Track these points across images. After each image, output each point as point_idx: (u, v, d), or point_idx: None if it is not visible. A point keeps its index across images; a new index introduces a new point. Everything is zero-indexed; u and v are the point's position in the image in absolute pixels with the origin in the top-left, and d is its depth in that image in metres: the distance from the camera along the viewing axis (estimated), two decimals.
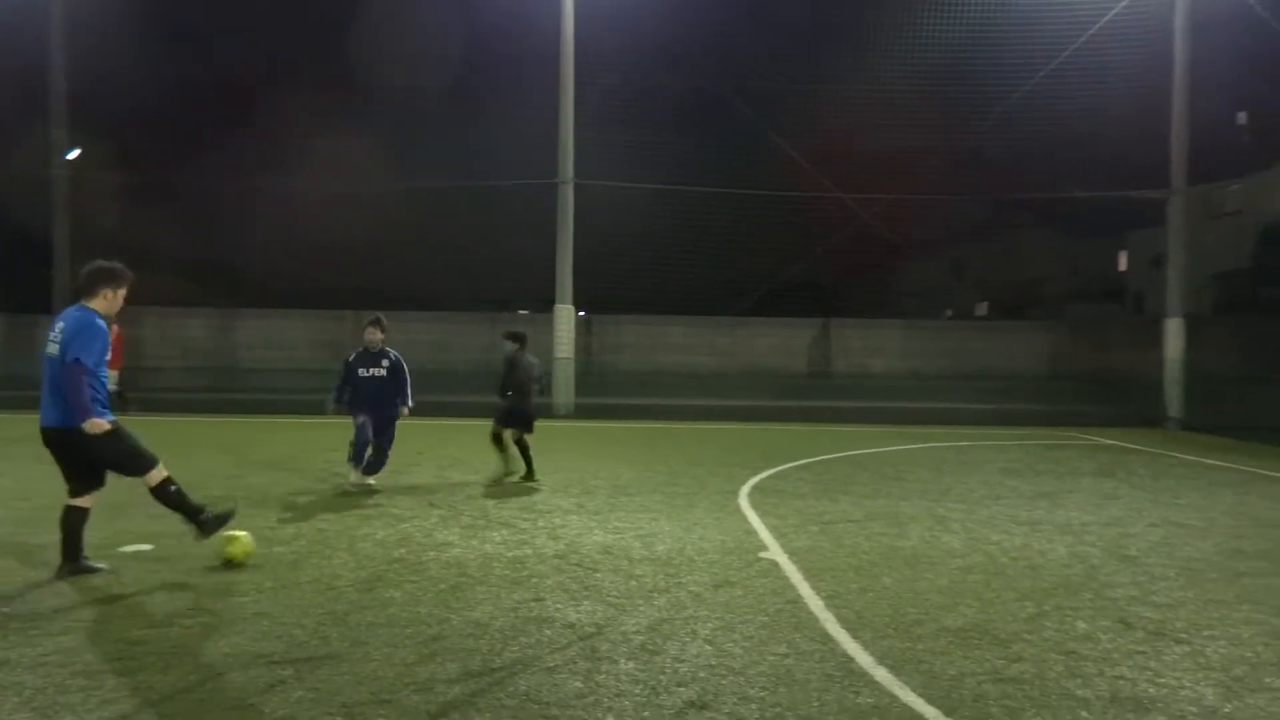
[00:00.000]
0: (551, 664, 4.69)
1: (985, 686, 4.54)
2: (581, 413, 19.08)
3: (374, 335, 9.54)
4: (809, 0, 22.92)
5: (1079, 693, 4.49)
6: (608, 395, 20.44)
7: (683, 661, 4.78)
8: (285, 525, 7.81)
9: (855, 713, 4.22)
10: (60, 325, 6.00)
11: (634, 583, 6.23)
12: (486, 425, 10.52)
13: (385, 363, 9.52)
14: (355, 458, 9.50)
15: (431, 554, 6.90)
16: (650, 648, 4.96)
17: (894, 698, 4.38)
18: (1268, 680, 4.70)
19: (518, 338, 10.51)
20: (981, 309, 35.04)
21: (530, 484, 10.12)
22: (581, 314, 21.80)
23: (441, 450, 13.06)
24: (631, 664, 4.71)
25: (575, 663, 4.71)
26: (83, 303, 6.12)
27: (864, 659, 4.87)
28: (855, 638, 5.20)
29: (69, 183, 22.17)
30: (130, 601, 5.60)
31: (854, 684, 4.54)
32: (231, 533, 6.50)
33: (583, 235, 19.31)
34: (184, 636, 4.98)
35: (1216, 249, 25.95)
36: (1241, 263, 26.77)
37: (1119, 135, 20.08)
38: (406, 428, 10.16)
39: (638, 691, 4.37)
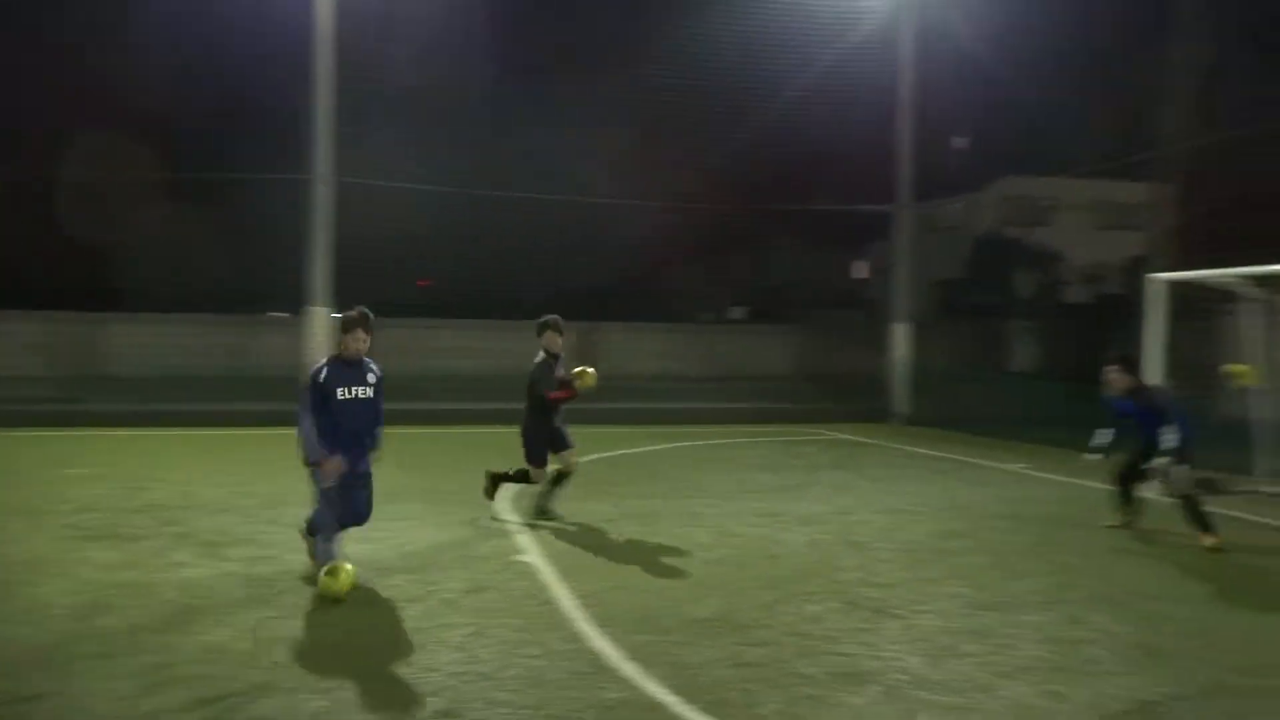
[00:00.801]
0: (292, 685, 4.49)
1: (724, 672, 4.80)
2: None
3: (359, 339, 6.35)
4: (574, 10, 23.25)
5: (807, 671, 4.84)
6: None
7: (433, 671, 4.72)
8: None
9: (602, 707, 4.34)
10: None
11: (385, 594, 6.08)
12: (240, 434, 9.89)
13: (371, 378, 6.44)
14: (325, 529, 6.21)
15: (163, 575, 6.41)
16: (397, 659, 4.86)
17: (639, 690, 4.55)
18: (966, 648, 5.27)
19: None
20: (737, 313, 36.87)
21: (278, 497, 9.61)
22: (337, 316, 20.97)
23: (187, 462, 12.13)
24: (376, 679, 4.60)
25: (317, 681, 4.53)
26: None
27: (612, 655, 5.01)
28: (606, 634, 5.34)
29: None
30: None
31: (602, 680, 4.67)
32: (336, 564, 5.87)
33: (348, 235, 18.54)
34: None
35: (936, 260, 28.75)
36: (957, 272, 29.85)
37: (857, 154, 21.79)
38: (147, 439, 9.36)
39: (384, 705, 4.27)
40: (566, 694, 4.47)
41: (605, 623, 5.55)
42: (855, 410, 19.93)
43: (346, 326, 6.36)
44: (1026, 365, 24.99)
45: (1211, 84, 20.82)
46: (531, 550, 7.39)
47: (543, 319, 8.91)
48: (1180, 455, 7.79)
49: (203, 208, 23.74)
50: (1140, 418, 8.20)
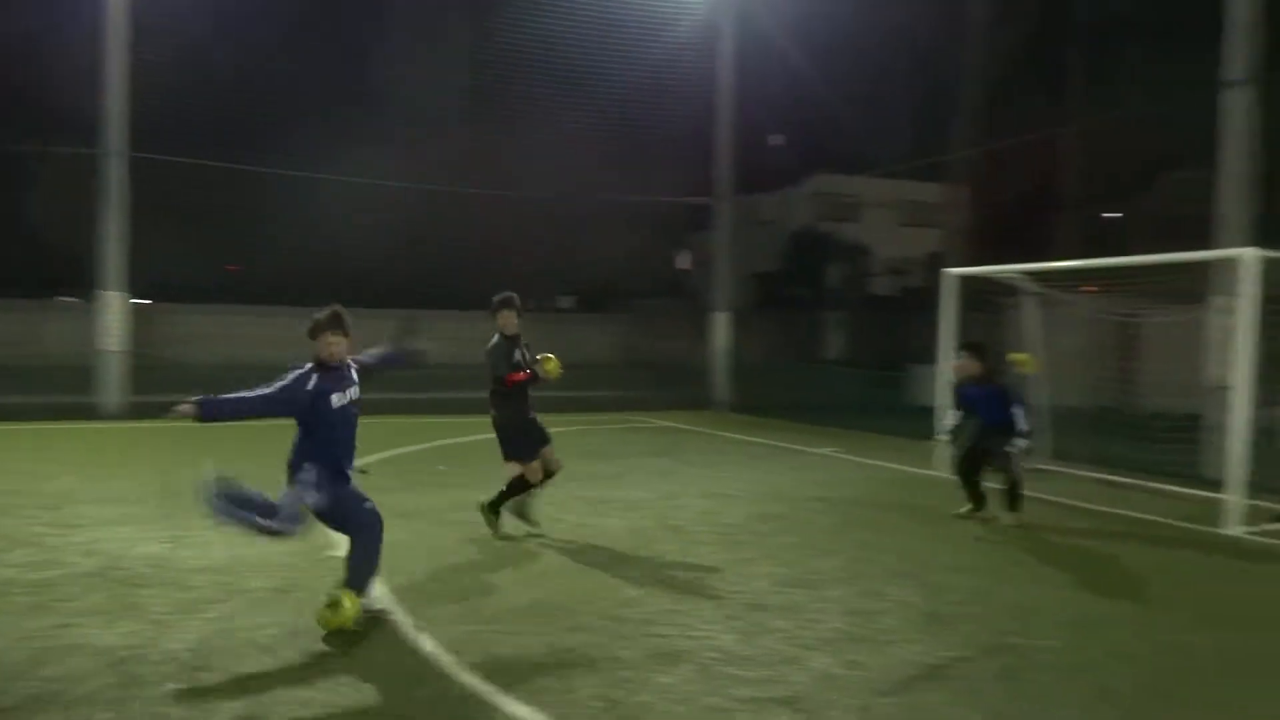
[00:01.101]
0: (74, 696, 4.17)
1: (541, 659, 4.82)
2: (139, 413, 17.08)
3: (336, 344, 5.76)
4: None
5: (623, 654, 4.92)
6: (171, 393, 18.49)
7: (238, 674, 4.50)
8: None
9: (418, 701, 4.27)
10: None
11: (185, 595, 5.74)
12: (14, 429, 9.05)
13: (355, 378, 5.92)
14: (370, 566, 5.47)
15: None
16: (198, 665, 4.60)
17: (455, 681, 4.50)
18: (776, 623, 5.50)
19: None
20: (565, 301, 36.91)
21: (65, 495, 8.88)
22: (139, 302, 19.60)
23: None
24: (174, 685, 4.34)
25: (104, 692, 4.23)
26: None
27: (429, 647, 4.93)
28: (422, 628, 5.24)
29: None
30: None
31: (419, 671, 4.59)
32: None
33: (144, 215, 17.29)
34: None
35: (756, 252, 29.79)
36: (775, 265, 31.06)
37: (681, 147, 22.25)
38: None
39: (178, 715, 4.03)
40: (384, 687, 4.37)
41: (422, 616, 5.45)
42: (679, 398, 20.39)
43: (319, 330, 5.74)
44: (838, 354, 26.30)
45: (996, 95, 22.55)
46: (344, 544, 7.13)
47: (498, 297, 8.00)
48: (1029, 437, 8.34)
49: None
50: (987, 403, 8.44)
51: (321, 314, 5.83)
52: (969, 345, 8.86)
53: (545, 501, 9.16)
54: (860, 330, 26.75)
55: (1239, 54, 10.98)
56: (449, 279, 27.09)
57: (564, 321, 28.67)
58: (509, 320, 7.91)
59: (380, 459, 11.95)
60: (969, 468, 8.64)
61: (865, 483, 10.83)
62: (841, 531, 8.12)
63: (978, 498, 8.60)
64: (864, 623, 5.54)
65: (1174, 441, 10.72)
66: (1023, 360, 9.82)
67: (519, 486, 7.60)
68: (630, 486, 10.24)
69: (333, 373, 5.72)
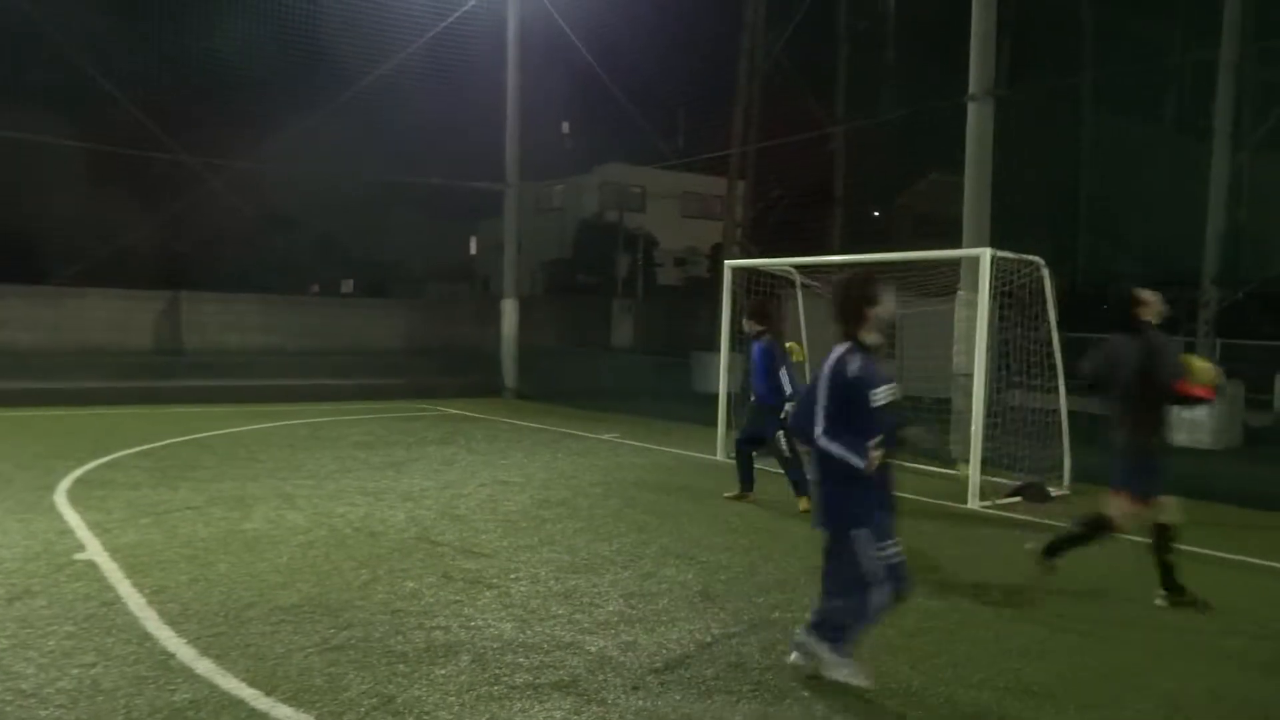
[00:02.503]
0: None
1: (311, 659, 4.64)
2: None
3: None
4: None
5: (399, 648, 4.83)
6: None
7: None
8: None
9: (171, 710, 4.00)
10: None
11: None
12: None
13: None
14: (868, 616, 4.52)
15: None
16: None
17: (215, 687, 4.25)
18: (555, 609, 5.56)
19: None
20: (347, 286, 35.51)
21: None
22: None
23: None
24: None
25: None
26: None
27: (186, 653, 4.64)
28: (179, 632, 4.92)
29: None
30: None
31: (171, 681, 4.30)
32: None
33: None
34: None
35: (545, 240, 29.87)
36: (564, 253, 31.25)
37: (472, 132, 21.90)
38: None
39: None
40: (129, 701, 4.06)
41: (178, 619, 5.11)
42: (466, 385, 20.14)
43: (875, 297, 4.35)
44: (625, 342, 26.83)
45: (772, 93, 23.69)
46: (93, 547, 6.58)
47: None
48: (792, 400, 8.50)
49: None
50: (760, 361, 8.70)
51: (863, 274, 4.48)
52: (753, 307, 9.25)
53: (319, 494, 8.83)
54: (647, 318, 27.40)
55: (979, 68, 12.06)
56: (213, 260, 25.42)
57: (346, 306, 27.56)
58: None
59: (136, 451, 11.09)
60: (745, 451, 9.07)
61: (646, 467, 11.13)
62: (621, 516, 8.31)
63: (748, 482, 9.05)
64: (641, 604, 5.70)
65: (926, 424, 11.69)
66: (792, 348, 10.39)
67: (1101, 526, 6.00)
68: (412, 475, 10.02)
69: (872, 357, 4.40)
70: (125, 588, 5.66)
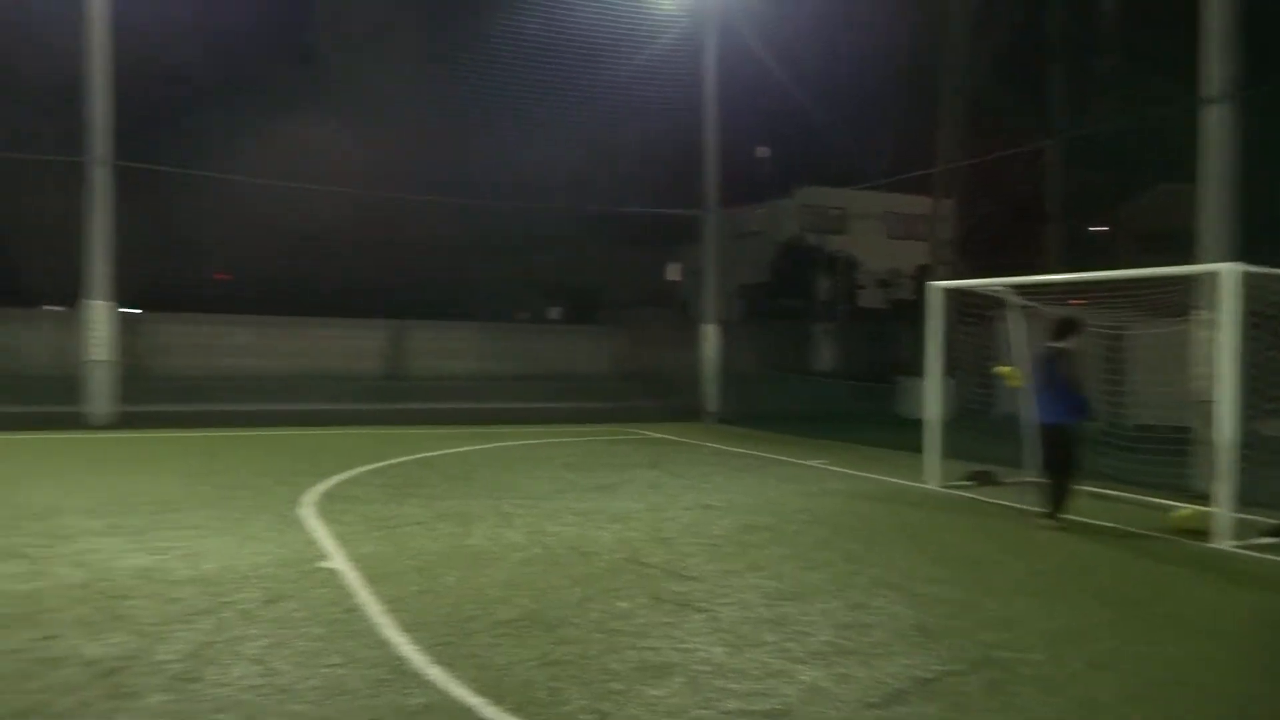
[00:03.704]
0: (61, 709, 4.15)
1: (533, 672, 4.82)
2: (127, 423, 17.02)
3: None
4: (374, 7, 22.57)
5: (613, 666, 4.93)
6: (157, 402, 18.45)
7: (224, 686, 4.49)
8: None
9: (406, 713, 4.26)
10: None
11: (173, 607, 5.72)
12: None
13: None
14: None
15: None
16: (187, 676, 4.59)
17: (445, 694, 4.49)
18: (765, 636, 5.52)
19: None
20: (554, 312, 36.91)
21: (51, 507, 8.83)
22: (133, 311, 19.54)
23: None
24: (163, 696, 4.33)
25: (92, 704, 4.22)
26: None
27: (418, 659, 4.93)
28: (412, 639, 5.24)
29: None
30: None
31: (406, 685, 4.58)
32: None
33: (131, 223, 17.29)
34: None
35: (744, 264, 29.91)
36: (763, 276, 31.18)
37: (669, 159, 22.37)
38: None
39: None
40: (370, 702, 4.36)
41: (412, 627, 5.44)
42: (668, 410, 20.43)
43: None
44: (827, 366, 26.39)
45: (979, 107, 22.73)
46: (336, 556, 7.14)
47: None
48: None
49: None
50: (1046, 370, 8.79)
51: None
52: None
53: (534, 513, 9.19)
54: (849, 342, 26.86)
55: (1216, 70, 11.10)
56: (433, 290, 27.11)
57: (553, 332, 28.66)
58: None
59: (369, 469, 11.94)
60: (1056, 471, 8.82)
61: (853, 494, 10.87)
62: (829, 543, 8.15)
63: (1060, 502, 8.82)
64: (853, 635, 5.56)
65: (1162, 454, 10.80)
66: (1008, 373, 9.88)
67: None
68: (619, 498, 10.25)
69: None
70: (364, 595, 6.09)
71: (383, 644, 5.18)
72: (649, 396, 21.61)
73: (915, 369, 14.28)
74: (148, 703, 4.25)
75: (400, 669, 4.80)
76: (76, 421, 16.48)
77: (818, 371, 25.67)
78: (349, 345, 23.06)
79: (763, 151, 33.42)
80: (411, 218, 22.39)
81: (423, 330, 23.97)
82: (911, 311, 21.52)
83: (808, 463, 13.54)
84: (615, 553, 7.56)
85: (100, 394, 16.83)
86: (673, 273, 31.07)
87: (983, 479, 11.35)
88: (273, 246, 25.76)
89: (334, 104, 22.51)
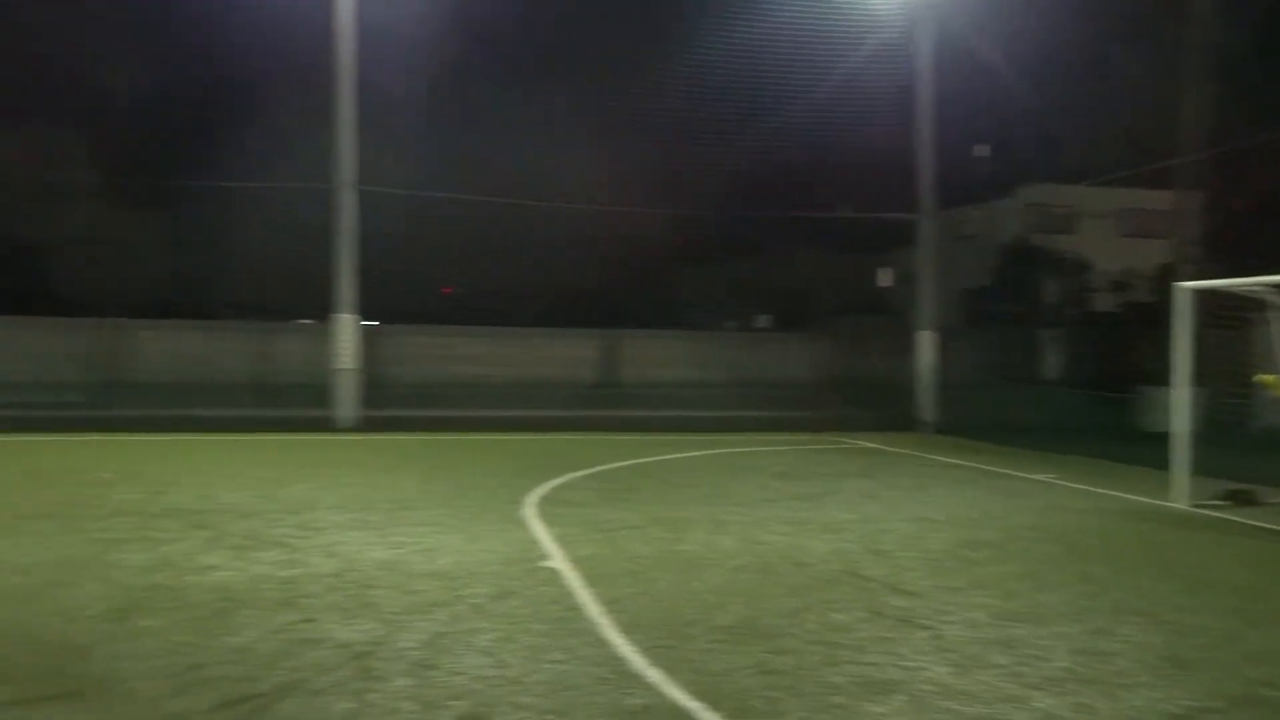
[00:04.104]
0: (319, 686, 4.53)
1: (749, 680, 4.79)
2: (367, 426, 18.48)
3: None
4: (592, 16, 23.33)
5: (833, 679, 4.82)
6: (396, 407, 19.90)
7: (459, 674, 4.75)
8: (20, 553, 7.10)
9: (626, 713, 4.34)
10: None
11: (413, 597, 6.12)
12: (260, 440, 10.01)
13: None
14: None
15: (193, 578, 6.48)
16: (426, 663, 4.89)
17: (663, 696, 4.55)
18: (994, 658, 5.23)
19: None
20: (762, 321, 36.77)
21: (305, 502, 9.70)
22: (373, 324, 21.18)
23: (210, 467, 12.27)
24: (406, 680, 4.63)
25: (346, 683, 4.57)
26: None
27: (637, 661, 5.02)
28: (630, 640, 5.34)
29: None
30: None
31: (627, 685, 4.67)
32: None
33: (367, 243, 18.79)
34: None
35: (962, 267, 28.59)
36: (982, 280, 29.66)
37: (880, 162, 21.77)
38: (171, 444, 9.49)
39: (410, 708, 4.30)
40: (591, 699, 4.48)
41: (630, 629, 5.55)
42: (880, 419, 19.86)
43: None
44: (1053, 374, 24.77)
45: (1227, 91, 20.63)
46: (557, 557, 7.41)
47: None
48: None
49: (224, 214, 24.00)
50: None
51: None
52: None
53: (745, 521, 9.16)
54: (1079, 349, 25.08)
55: None
56: (645, 299, 27.67)
57: (761, 340, 28.55)
58: None
59: (585, 474, 12.33)
60: None
61: (1088, 512, 10.12)
62: (1062, 564, 7.63)
63: None
64: (1094, 663, 5.16)
65: None
66: (1272, 382, 8.91)
67: None
68: (832, 508, 10.04)
69: None
70: (584, 596, 6.28)
71: (602, 643, 5.32)
72: (860, 405, 21.08)
73: (1158, 377, 13.14)
74: (393, 685, 4.57)
75: (620, 669, 4.90)
76: (325, 425, 18.03)
77: (1044, 380, 24.12)
78: (566, 354, 23.92)
79: (981, 150, 31.84)
80: (624, 228, 22.98)
81: (635, 339, 24.51)
82: (1150, 315, 19.86)
83: (1034, 476, 12.76)
84: (830, 563, 7.41)
85: (346, 400, 18.34)
86: (884, 278, 30.21)
87: (1242, 498, 10.28)
88: (495, 260, 27.17)
89: (550, 120, 23.48)
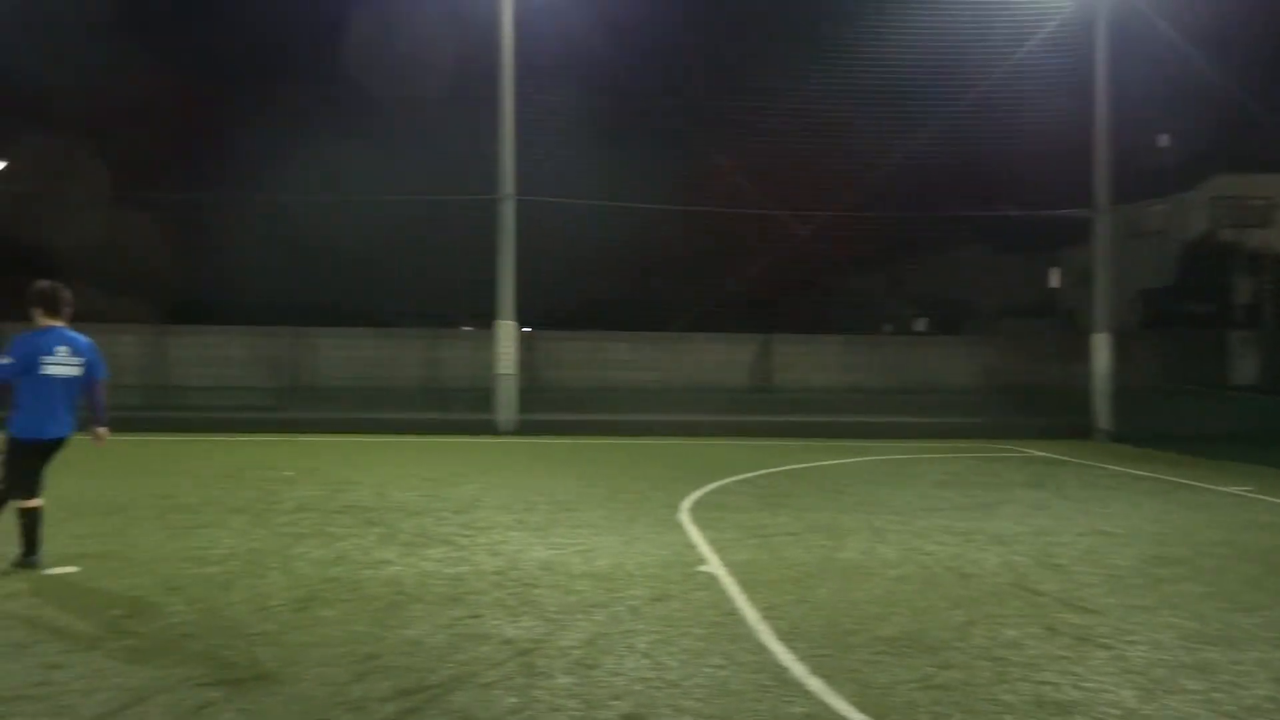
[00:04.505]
0: (487, 680, 4.67)
1: (915, 694, 4.63)
2: (524, 429, 19.02)
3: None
4: (746, 20, 23.24)
5: (1005, 698, 4.60)
6: (550, 411, 20.40)
7: (619, 675, 4.79)
8: (217, 544, 7.66)
9: None
10: (73, 347, 6.57)
11: (573, 597, 6.23)
12: (427, 441, 10.45)
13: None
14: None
15: (368, 572, 6.82)
16: (587, 662, 4.97)
17: (826, 706, 4.45)
18: (1185, 683, 4.86)
19: None
20: (920, 324, 35.64)
21: (470, 502, 10.06)
22: (526, 330, 21.79)
23: (381, 467, 12.91)
24: (568, 678, 4.72)
25: (511, 678, 4.70)
26: (64, 324, 6.61)
27: (798, 669, 4.93)
28: (790, 648, 5.26)
29: None
30: (50, 625, 5.45)
31: (788, 694, 4.60)
32: None
33: (525, 251, 19.36)
34: (108, 660, 4.86)
35: (1141, 267, 26.85)
36: (1165, 279, 27.74)
37: (1049, 155, 20.70)
38: (346, 445, 10.03)
39: (573, 706, 4.37)
40: (752, 706, 4.43)
41: (789, 636, 5.47)
42: (1050, 426, 18.90)
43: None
44: (1247, 379, 22.89)
45: None
46: (713, 561, 7.39)
47: None
48: None
49: (392, 225, 25.23)
50: None
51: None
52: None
53: (906, 530, 8.88)
54: (1275, 351, 23.10)
55: None
56: (800, 302, 27.27)
57: (919, 344, 27.67)
58: None
59: (739, 479, 12.26)
60: None
61: None
62: (1261, 584, 7.01)
63: None
64: None
65: None
66: None
67: None
68: (1000, 519, 9.61)
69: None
70: (741, 601, 6.23)
71: (761, 650, 5.25)
72: (1028, 412, 20.11)
73: None
74: (557, 683, 4.66)
75: (781, 677, 4.83)
76: (487, 428, 18.67)
77: (1237, 385, 22.31)
78: (719, 359, 23.92)
79: (1163, 140, 29.79)
80: (778, 232, 22.74)
81: (788, 343, 24.26)
82: None
83: (1226, 489, 11.81)
84: (998, 576, 7.07)
85: (505, 404, 18.93)
86: (1054, 279, 28.74)
87: None
88: (646, 266, 27.42)
89: (703, 123, 23.51)
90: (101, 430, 6.86)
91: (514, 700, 4.41)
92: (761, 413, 20.91)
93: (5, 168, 22.55)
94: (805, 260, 24.98)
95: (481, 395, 19.53)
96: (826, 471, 13.40)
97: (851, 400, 22.03)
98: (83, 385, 6.69)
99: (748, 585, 6.62)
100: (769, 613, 5.95)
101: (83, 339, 6.70)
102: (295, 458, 13.92)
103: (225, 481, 11.43)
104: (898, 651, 5.26)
